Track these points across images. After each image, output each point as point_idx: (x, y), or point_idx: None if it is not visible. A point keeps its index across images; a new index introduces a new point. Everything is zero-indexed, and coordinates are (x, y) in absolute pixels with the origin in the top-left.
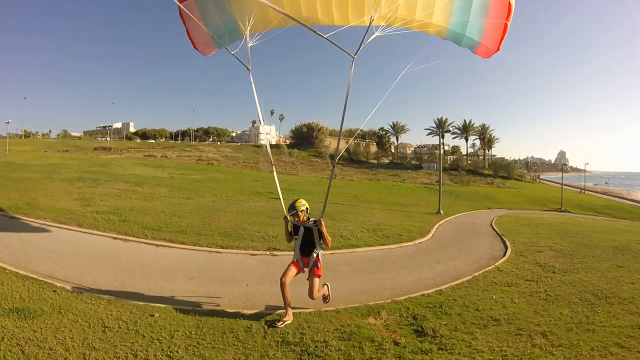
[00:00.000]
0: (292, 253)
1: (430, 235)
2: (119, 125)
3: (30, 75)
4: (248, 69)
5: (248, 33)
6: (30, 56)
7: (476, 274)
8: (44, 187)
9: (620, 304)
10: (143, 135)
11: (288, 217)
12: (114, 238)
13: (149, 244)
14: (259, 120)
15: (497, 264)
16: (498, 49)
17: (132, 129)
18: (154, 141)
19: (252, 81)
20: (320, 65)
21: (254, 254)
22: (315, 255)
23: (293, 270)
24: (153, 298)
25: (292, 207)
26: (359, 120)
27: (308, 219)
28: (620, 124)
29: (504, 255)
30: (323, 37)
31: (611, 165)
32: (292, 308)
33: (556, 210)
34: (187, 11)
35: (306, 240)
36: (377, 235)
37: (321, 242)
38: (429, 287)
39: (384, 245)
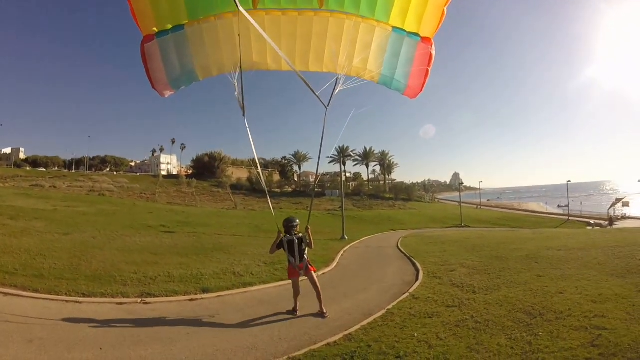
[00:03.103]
0: (170, 298)
1: (334, 264)
2: (8, 150)
3: None
4: (243, 110)
5: (240, 71)
6: None
7: (390, 307)
8: None
9: (559, 319)
10: (34, 162)
11: (282, 232)
12: None
13: None
14: (253, 154)
15: (411, 290)
16: (421, 90)
17: (22, 155)
18: (45, 170)
19: (243, 107)
20: (220, 97)
21: (121, 303)
22: (306, 258)
23: (296, 281)
24: None
25: (294, 220)
26: (262, 150)
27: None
28: (506, 145)
29: (416, 279)
30: (309, 87)
31: (501, 182)
32: None
33: (457, 226)
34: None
35: (299, 249)
36: (275, 268)
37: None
38: (335, 331)
39: (282, 280)
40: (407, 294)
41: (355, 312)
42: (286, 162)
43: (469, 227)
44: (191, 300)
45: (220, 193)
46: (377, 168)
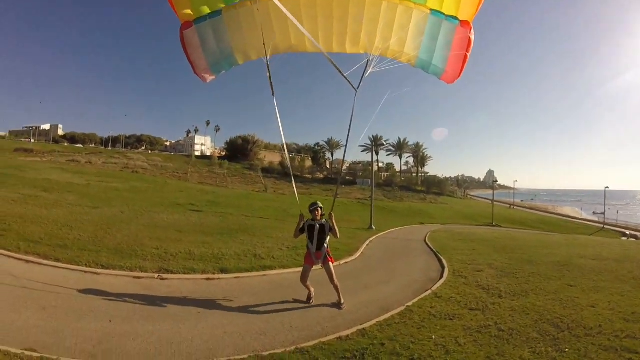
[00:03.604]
0: (187, 276)
1: (359, 253)
2: (47, 126)
3: None
4: (271, 89)
5: (268, 56)
6: None
7: (410, 304)
8: None
9: (588, 335)
10: (72, 139)
11: (304, 214)
12: None
13: (19, 259)
14: (279, 129)
15: (434, 288)
16: (459, 76)
17: (60, 132)
18: (82, 146)
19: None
20: (257, 82)
21: (138, 277)
22: (326, 246)
23: (308, 268)
24: None
25: (315, 204)
26: (296, 136)
27: (322, 216)
28: (544, 146)
29: (441, 277)
30: (338, 70)
31: (537, 183)
32: None
33: (488, 224)
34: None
35: (320, 236)
36: (297, 253)
37: (329, 235)
38: (349, 324)
39: (302, 266)
40: (429, 292)
41: (373, 306)
42: (319, 148)
43: (501, 226)
44: (208, 279)
45: (251, 175)
46: (411, 160)
